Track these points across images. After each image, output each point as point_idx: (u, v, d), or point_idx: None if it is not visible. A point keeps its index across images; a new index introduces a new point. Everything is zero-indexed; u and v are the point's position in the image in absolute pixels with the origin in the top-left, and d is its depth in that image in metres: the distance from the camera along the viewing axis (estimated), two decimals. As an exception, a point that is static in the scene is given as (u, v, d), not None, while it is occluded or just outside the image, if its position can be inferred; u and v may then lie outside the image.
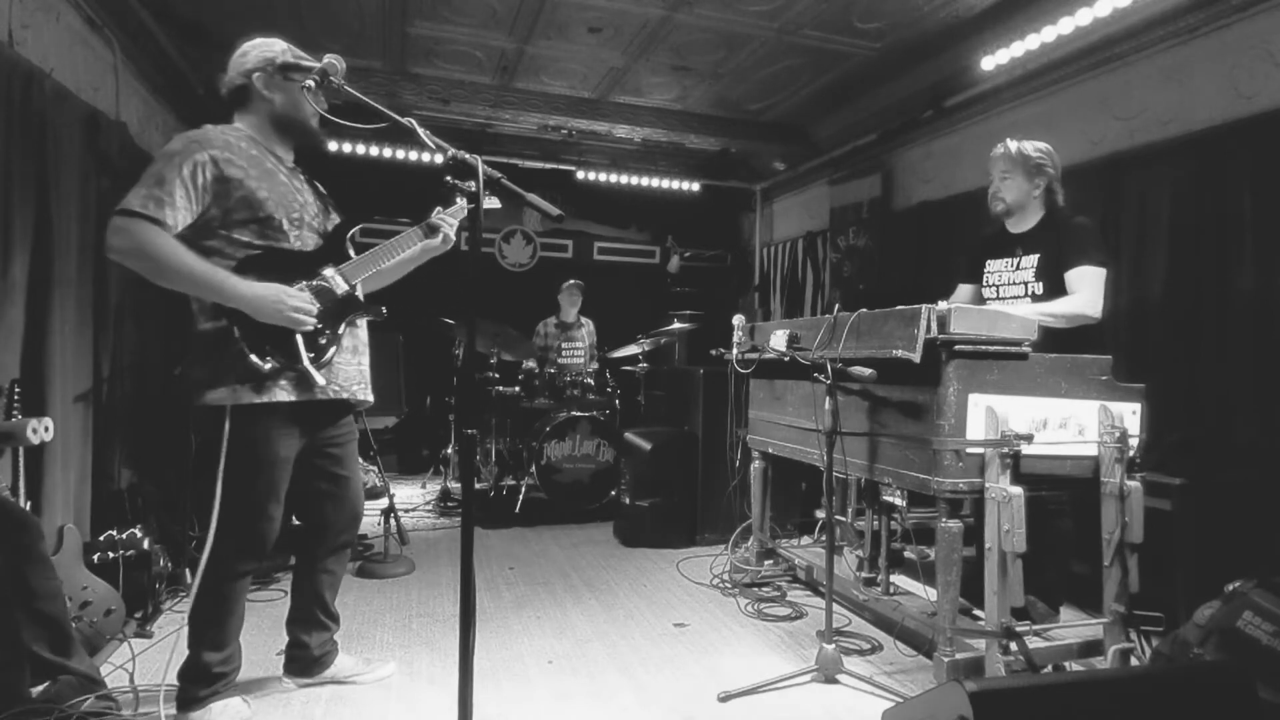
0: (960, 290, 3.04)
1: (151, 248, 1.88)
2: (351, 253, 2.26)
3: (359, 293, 2.26)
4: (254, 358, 1.99)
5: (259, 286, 1.98)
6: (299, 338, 2.05)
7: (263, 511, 2.09)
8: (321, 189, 2.33)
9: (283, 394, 2.05)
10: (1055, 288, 2.69)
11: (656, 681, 2.49)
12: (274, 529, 2.13)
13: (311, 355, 2.08)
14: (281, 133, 2.18)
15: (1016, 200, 2.79)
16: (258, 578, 3.25)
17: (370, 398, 2.31)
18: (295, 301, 2.02)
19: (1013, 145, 2.77)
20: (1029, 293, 2.76)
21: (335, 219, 2.29)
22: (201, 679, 2.09)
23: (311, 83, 2.05)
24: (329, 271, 2.16)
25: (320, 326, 2.09)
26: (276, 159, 2.16)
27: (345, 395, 2.21)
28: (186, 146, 1.98)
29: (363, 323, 2.31)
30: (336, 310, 2.16)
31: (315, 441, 2.23)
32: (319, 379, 2.08)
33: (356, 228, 2.31)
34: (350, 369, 2.23)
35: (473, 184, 1.58)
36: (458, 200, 2.34)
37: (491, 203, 2.28)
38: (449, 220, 2.35)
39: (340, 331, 2.18)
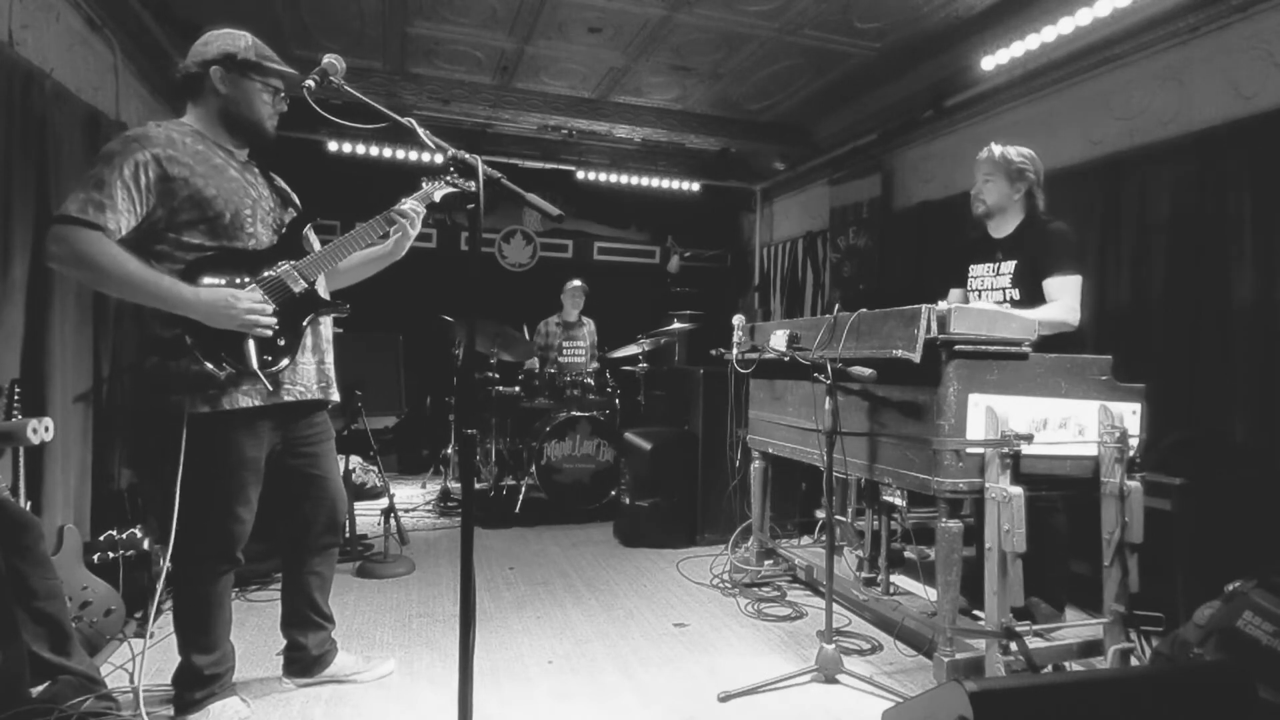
0: (952, 294, 3.07)
1: (92, 255, 1.78)
2: (315, 246, 2.17)
3: (320, 290, 2.18)
4: (209, 365, 1.91)
5: (206, 292, 1.90)
6: (250, 341, 1.96)
7: (230, 514, 2.05)
8: (279, 182, 2.24)
9: (246, 399, 1.99)
10: (1031, 294, 2.74)
11: (656, 681, 2.49)
12: (244, 530, 2.09)
13: (268, 358, 2.00)
14: (231, 130, 2.08)
15: (997, 203, 2.86)
16: (258, 578, 3.25)
17: (336, 397, 2.26)
18: (247, 304, 1.92)
19: (996, 149, 2.84)
20: (1006, 298, 2.80)
21: (293, 214, 2.19)
22: (195, 683, 2.08)
23: (276, 84, 2.05)
24: (285, 268, 2.06)
25: (277, 328, 2.00)
26: (227, 153, 2.07)
27: (309, 397, 2.14)
28: (126, 146, 1.88)
29: (326, 320, 2.23)
30: (295, 309, 2.07)
31: (288, 442, 2.18)
32: (268, 385, 2.00)
33: (311, 222, 2.21)
34: (310, 369, 2.16)
35: (472, 183, 1.57)
36: (423, 185, 2.28)
37: (441, 188, 2.25)
38: (410, 208, 2.25)
39: (302, 330, 2.10)
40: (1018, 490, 2.18)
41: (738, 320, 3.41)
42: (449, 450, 5.60)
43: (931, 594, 2.60)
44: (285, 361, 2.05)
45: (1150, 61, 3.55)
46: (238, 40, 2.04)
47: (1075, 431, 2.39)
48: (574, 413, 4.85)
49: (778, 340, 2.86)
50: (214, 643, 2.11)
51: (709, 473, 4.22)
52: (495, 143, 6.02)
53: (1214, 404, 3.14)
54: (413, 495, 5.51)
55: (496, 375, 5.13)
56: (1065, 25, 3.59)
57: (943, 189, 4.87)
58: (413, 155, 5.83)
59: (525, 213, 7.17)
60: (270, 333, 1.99)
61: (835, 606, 2.62)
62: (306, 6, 4.11)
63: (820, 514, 3.81)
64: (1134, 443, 2.37)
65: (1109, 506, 2.34)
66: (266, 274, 2.03)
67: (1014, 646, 2.25)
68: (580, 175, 6.49)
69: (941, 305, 2.30)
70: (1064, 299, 2.68)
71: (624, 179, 6.63)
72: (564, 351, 5.72)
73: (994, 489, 2.21)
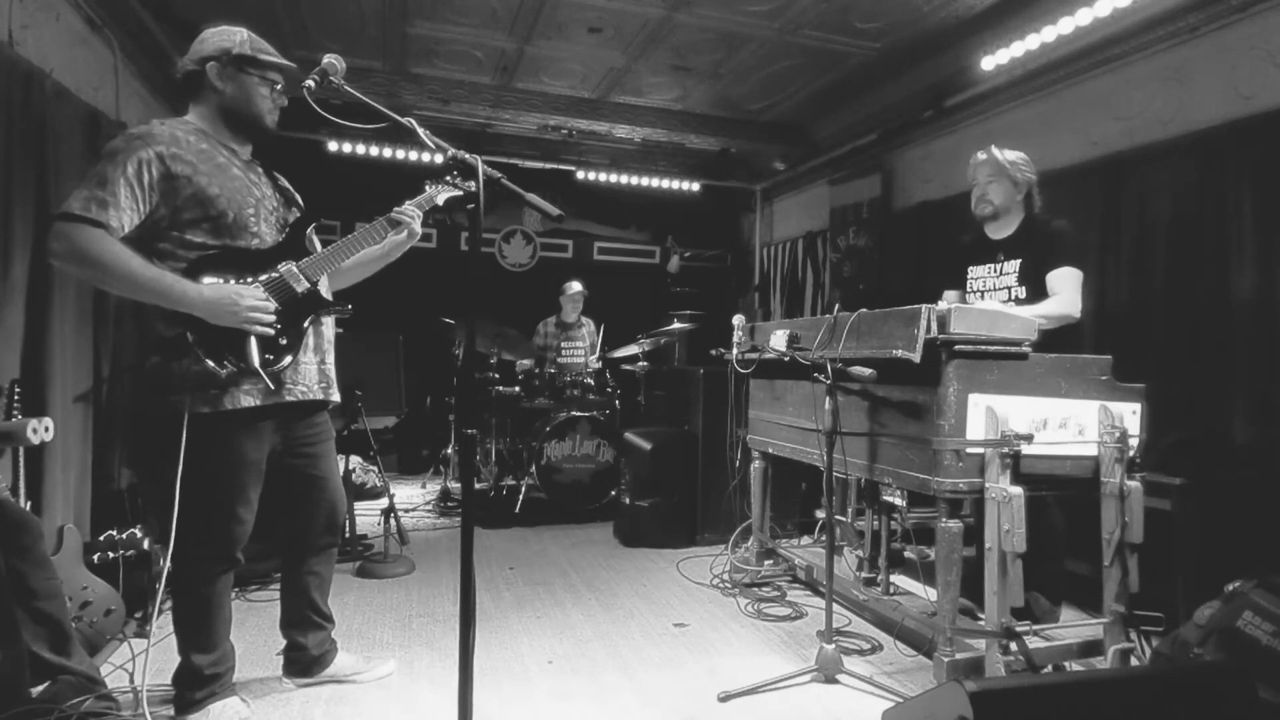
0: (948, 295, 3.07)
1: (94, 253, 1.78)
2: (317, 247, 2.18)
3: (322, 290, 2.18)
4: (211, 364, 1.91)
5: (210, 289, 1.89)
6: (252, 339, 1.96)
7: (231, 514, 2.05)
8: (283, 182, 2.24)
9: (248, 399, 1.99)
10: (1037, 291, 2.78)
11: (657, 681, 2.49)
12: (244, 530, 2.09)
13: (269, 357, 1.99)
14: (232, 126, 2.08)
15: (1003, 203, 2.90)
16: (258, 578, 3.25)
17: (336, 397, 2.26)
18: (250, 301, 1.92)
19: (996, 152, 2.89)
20: (1012, 297, 2.83)
21: (296, 214, 2.19)
22: (195, 682, 2.08)
23: (274, 77, 2.05)
24: (287, 268, 2.06)
25: (279, 327, 2.00)
26: (230, 152, 2.07)
27: (310, 397, 2.14)
28: (130, 144, 1.88)
29: (328, 321, 2.23)
30: (297, 309, 2.07)
31: (288, 442, 2.18)
32: (270, 383, 2.00)
33: (314, 222, 2.21)
34: (312, 369, 2.16)
35: (473, 184, 1.57)
36: (426, 188, 2.28)
37: (443, 192, 2.24)
38: (412, 211, 2.26)
39: (304, 330, 2.10)
40: (1018, 490, 2.18)
41: (738, 320, 3.41)
42: (449, 450, 5.60)
43: (931, 594, 2.60)
44: (287, 360, 2.05)
45: (1150, 61, 3.55)
46: (233, 35, 2.04)
47: (1075, 431, 2.39)
48: (574, 413, 4.85)
49: (778, 340, 2.86)
50: (214, 643, 2.11)
51: (709, 473, 4.22)
52: (495, 143, 6.02)
53: (1214, 404, 3.14)
54: (413, 495, 5.51)
55: (496, 375, 5.13)
56: (1065, 25, 3.59)
57: (943, 189, 4.87)
58: (413, 155, 5.83)
59: (525, 213, 7.16)
60: (272, 331, 1.99)
61: (835, 606, 2.61)
62: (306, 6, 4.11)
63: (820, 514, 3.81)
64: (1134, 443, 2.37)
65: (1109, 506, 2.34)
66: (269, 273, 2.03)
67: (1014, 646, 2.25)
68: (580, 175, 6.49)
69: (941, 305, 2.30)
70: (1066, 292, 2.73)
71: (624, 179, 6.63)
72: (562, 352, 5.72)
73: (994, 489, 2.21)
